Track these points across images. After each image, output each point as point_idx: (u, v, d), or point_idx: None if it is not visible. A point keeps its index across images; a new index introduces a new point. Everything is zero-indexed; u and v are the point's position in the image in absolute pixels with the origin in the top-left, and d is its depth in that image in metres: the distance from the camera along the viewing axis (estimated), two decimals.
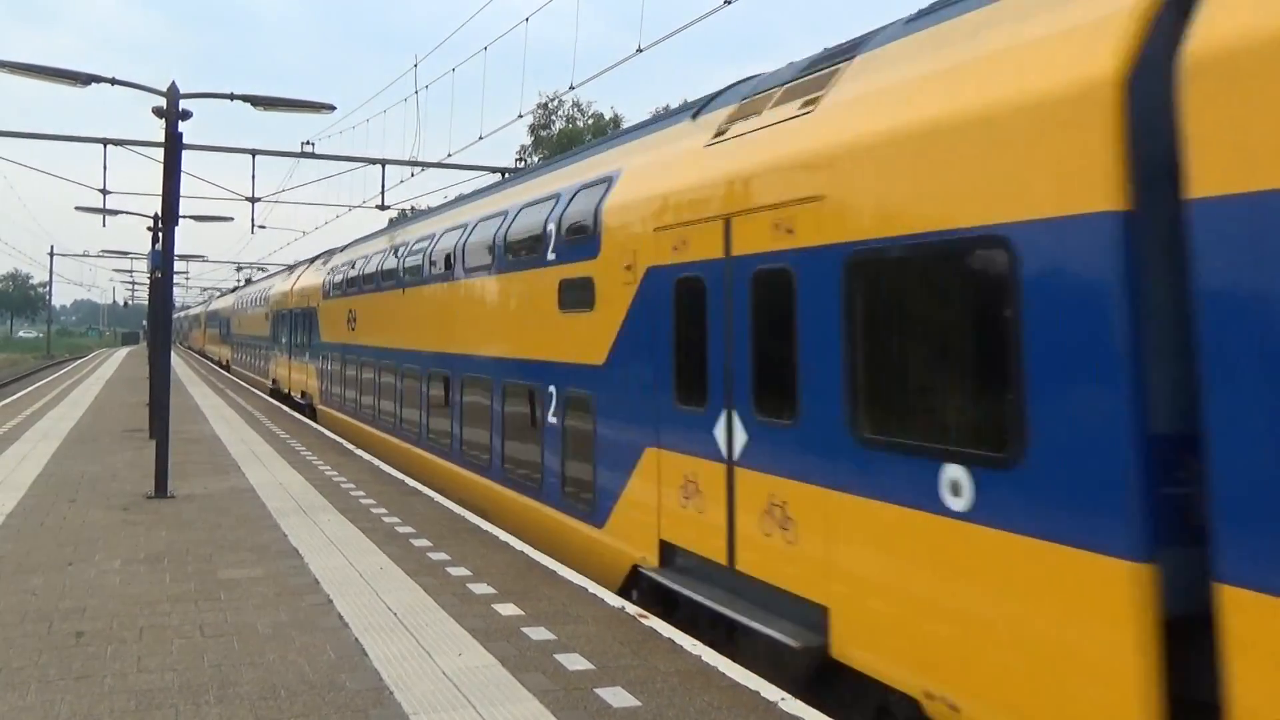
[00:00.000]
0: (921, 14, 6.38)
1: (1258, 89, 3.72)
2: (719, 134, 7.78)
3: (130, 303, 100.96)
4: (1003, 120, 4.95)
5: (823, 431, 6.16)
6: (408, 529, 10.56)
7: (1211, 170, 3.89)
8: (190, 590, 8.02)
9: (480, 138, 21.60)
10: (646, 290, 8.26)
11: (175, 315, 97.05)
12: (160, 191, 12.90)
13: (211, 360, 60.69)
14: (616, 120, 58.65)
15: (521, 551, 9.53)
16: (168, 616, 7.27)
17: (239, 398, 30.22)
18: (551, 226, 10.29)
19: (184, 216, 27.21)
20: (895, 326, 5.67)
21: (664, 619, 7.42)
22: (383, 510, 11.65)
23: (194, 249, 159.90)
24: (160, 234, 17.45)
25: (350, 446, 18.17)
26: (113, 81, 13.26)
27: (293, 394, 27.74)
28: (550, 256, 10.20)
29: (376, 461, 16.08)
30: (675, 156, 8.34)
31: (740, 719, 5.45)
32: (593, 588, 8.19)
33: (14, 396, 30.20)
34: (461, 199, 16.46)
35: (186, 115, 13.10)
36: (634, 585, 8.40)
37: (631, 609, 7.54)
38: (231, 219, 37.44)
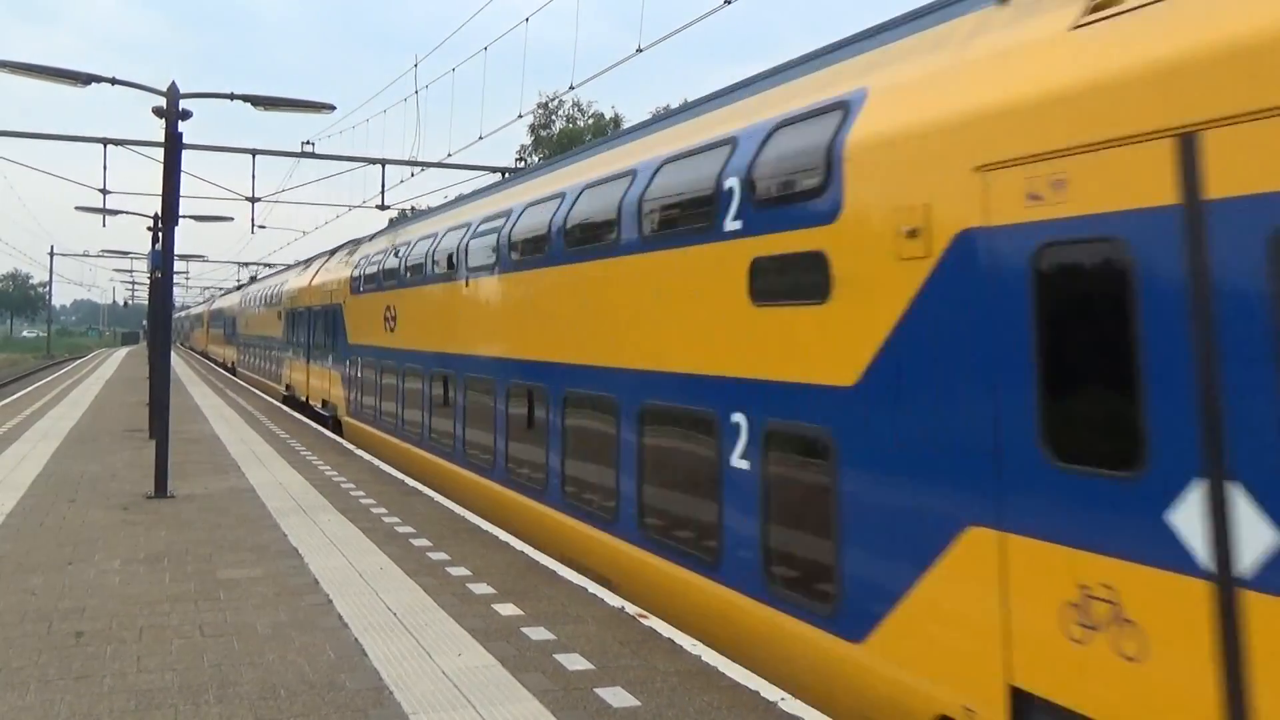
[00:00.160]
0: None
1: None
2: (1099, 6, 4.88)
3: (130, 303, 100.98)
4: None
5: None
6: (408, 529, 10.56)
7: None
8: (190, 590, 8.02)
9: (480, 138, 21.60)
10: (957, 265, 5.28)
11: (175, 315, 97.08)
12: (160, 191, 12.91)
13: (215, 362, 58.14)
14: (617, 120, 58.67)
15: (521, 551, 9.52)
16: (167, 616, 7.27)
17: (239, 398, 30.22)
18: (731, 183, 7.31)
19: (184, 216, 27.21)
20: None
21: None
22: (383, 510, 11.64)
23: (194, 249, 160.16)
24: (160, 234, 17.46)
25: (389, 468, 15.49)
26: (113, 81, 13.27)
27: (311, 403, 24.96)
28: (731, 226, 7.25)
29: (377, 462, 16.06)
30: (1008, 49, 5.34)
31: (740, 719, 5.45)
32: (593, 587, 8.17)
33: (14, 396, 30.20)
34: (547, 164, 12.98)
35: (186, 115, 13.10)
36: None
37: (631, 609, 7.53)
38: (231, 219, 37.43)
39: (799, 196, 6.58)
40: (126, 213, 27.16)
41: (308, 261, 30.87)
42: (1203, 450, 4.05)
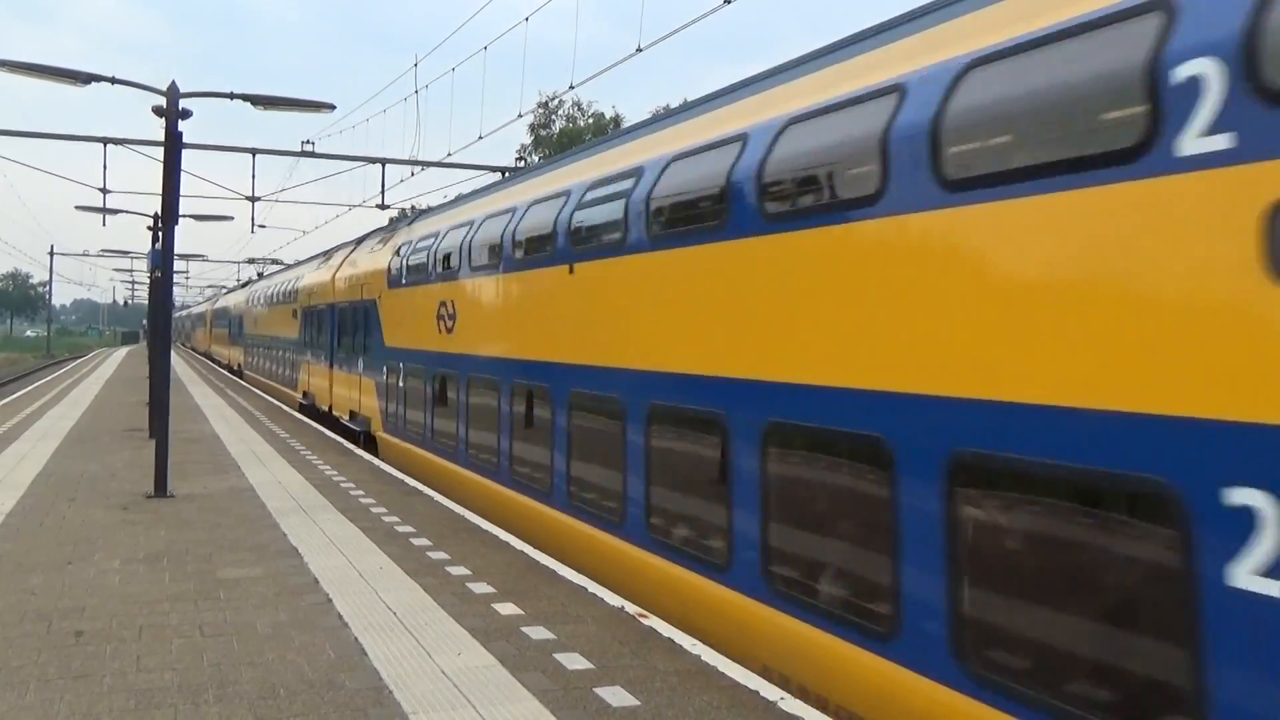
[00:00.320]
0: None
1: None
2: None
3: (130, 302, 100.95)
4: None
5: None
6: (407, 528, 10.56)
7: None
8: (190, 590, 8.02)
9: (480, 137, 21.63)
10: None
11: (176, 314, 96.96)
12: (160, 191, 12.91)
13: (219, 364, 55.13)
14: (617, 120, 58.67)
15: (521, 551, 9.52)
16: (167, 616, 7.27)
17: (239, 397, 30.22)
18: (1189, 72, 4.14)
19: (184, 216, 27.17)
20: None
21: None
22: (382, 510, 11.64)
23: (194, 248, 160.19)
24: (160, 233, 17.45)
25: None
26: (112, 80, 13.26)
27: (336, 413, 21.83)
28: (1192, 149, 4.09)
29: (377, 462, 16.07)
30: None
31: (739, 718, 5.44)
32: (592, 587, 8.17)
33: (14, 396, 30.20)
34: (703, 102, 9.01)
35: (186, 114, 13.10)
36: None
37: (631, 608, 7.53)
38: (231, 218, 37.39)
39: None
40: (126, 212, 27.18)
41: (327, 254, 27.95)
42: None
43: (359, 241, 23.21)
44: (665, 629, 7.02)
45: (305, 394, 26.08)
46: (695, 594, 7.50)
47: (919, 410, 5.48)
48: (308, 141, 24.49)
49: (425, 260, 15.40)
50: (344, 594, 7.92)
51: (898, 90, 5.93)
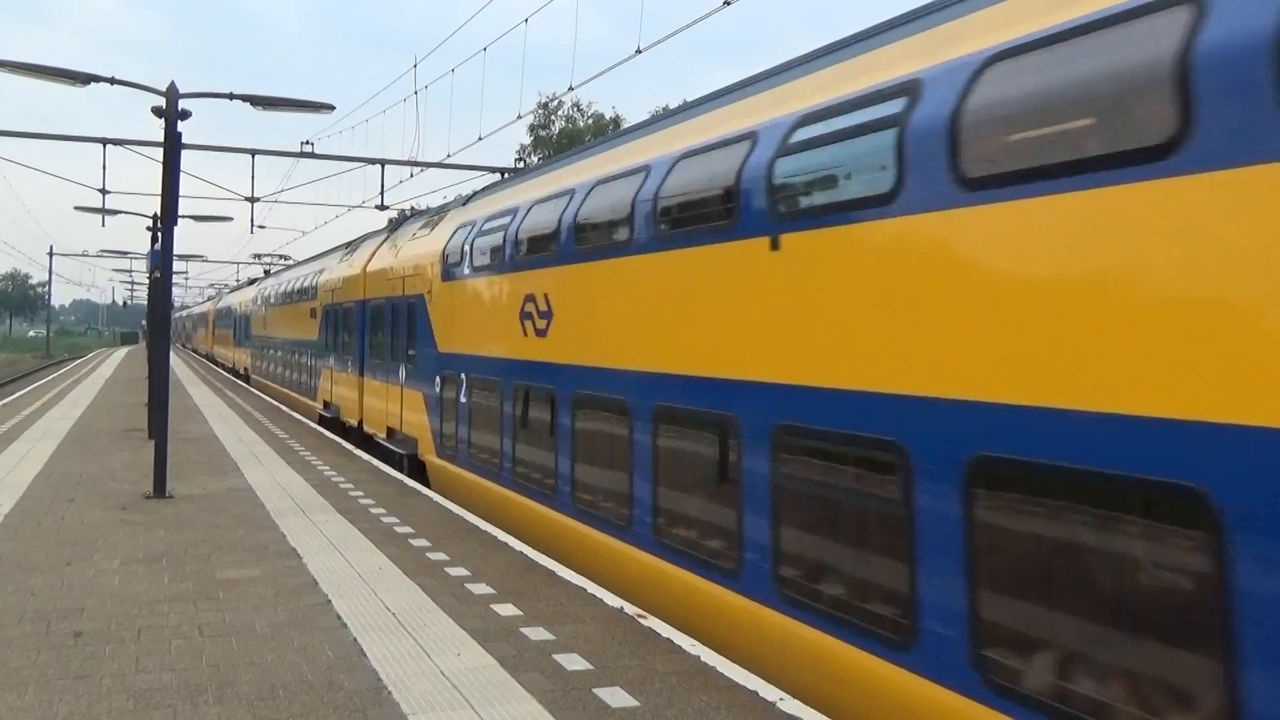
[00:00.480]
0: None
1: None
2: None
3: (129, 303, 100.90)
4: None
5: None
6: (406, 529, 10.55)
7: None
8: (188, 590, 8.02)
9: (480, 138, 21.61)
10: None
11: (175, 314, 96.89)
12: (160, 191, 12.91)
13: (223, 367, 52.63)
14: (617, 120, 58.70)
15: (521, 552, 9.52)
16: (166, 616, 7.27)
17: (239, 398, 30.21)
18: None
19: (183, 216, 27.20)
20: None
21: None
22: (381, 510, 11.64)
23: (193, 249, 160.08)
24: (159, 234, 17.44)
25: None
26: (112, 81, 13.26)
27: (369, 429, 18.62)
28: None
29: (376, 462, 16.06)
30: None
31: (739, 719, 5.44)
32: (592, 588, 8.18)
33: (13, 396, 30.19)
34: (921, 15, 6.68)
35: (186, 115, 13.10)
36: None
37: (630, 609, 7.53)
38: (231, 219, 37.42)
39: None
40: (126, 213, 27.15)
41: (350, 245, 24.68)
42: None
43: (393, 229, 20.03)
44: (665, 629, 7.01)
45: (327, 404, 22.85)
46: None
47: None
48: (307, 142, 24.51)
49: (500, 244, 12.02)
50: (343, 595, 7.92)
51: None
